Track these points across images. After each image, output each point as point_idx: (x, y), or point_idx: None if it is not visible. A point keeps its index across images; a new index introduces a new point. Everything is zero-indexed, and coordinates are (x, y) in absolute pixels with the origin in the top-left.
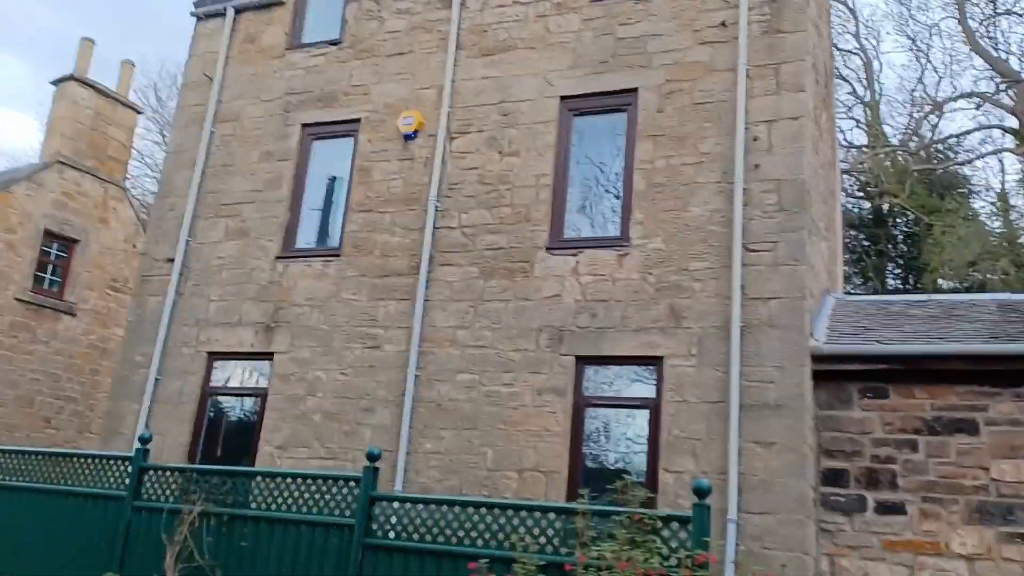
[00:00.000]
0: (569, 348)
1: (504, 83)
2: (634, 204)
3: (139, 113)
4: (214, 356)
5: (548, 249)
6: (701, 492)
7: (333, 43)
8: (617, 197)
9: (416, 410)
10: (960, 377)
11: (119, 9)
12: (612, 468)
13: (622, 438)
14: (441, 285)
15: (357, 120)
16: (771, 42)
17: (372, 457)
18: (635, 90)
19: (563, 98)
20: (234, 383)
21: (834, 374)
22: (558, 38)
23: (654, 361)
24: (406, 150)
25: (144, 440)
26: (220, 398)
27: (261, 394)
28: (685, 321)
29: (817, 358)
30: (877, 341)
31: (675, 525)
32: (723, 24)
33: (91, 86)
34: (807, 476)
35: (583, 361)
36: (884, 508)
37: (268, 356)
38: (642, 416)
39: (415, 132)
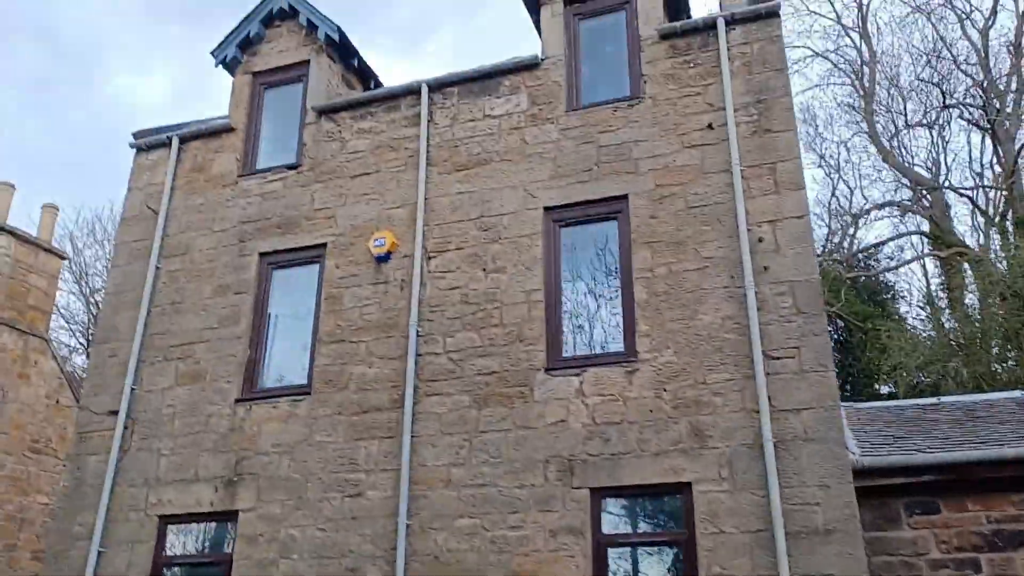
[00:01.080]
0: (582, 480)
1: (482, 197)
2: (638, 315)
3: (63, 259)
4: (167, 520)
5: (547, 370)
6: None
7: (291, 167)
8: (615, 310)
9: (410, 566)
10: (1015, 484)
11: (36, 154)
12: None
13: None
14: (429, 418)
15: (322, 245)
16: (762, 142)
17: None
18: (624, 197)
19: (547, 209)
20: (192, 550)
21: (876, 490)
22: (535, 149)
23: (681, 488)
24: (379, 273)
25: None
26: (176, 569)
27: (224, 561)
28: (710, 440)
29: (857, 473)
30: (917, 450)
31: None
32: (710, 126)
33: (9, 232)
34: None
35: (599, 494)
36: None
37: (231, 516)
38: (674, 553)
39: (388, 254)
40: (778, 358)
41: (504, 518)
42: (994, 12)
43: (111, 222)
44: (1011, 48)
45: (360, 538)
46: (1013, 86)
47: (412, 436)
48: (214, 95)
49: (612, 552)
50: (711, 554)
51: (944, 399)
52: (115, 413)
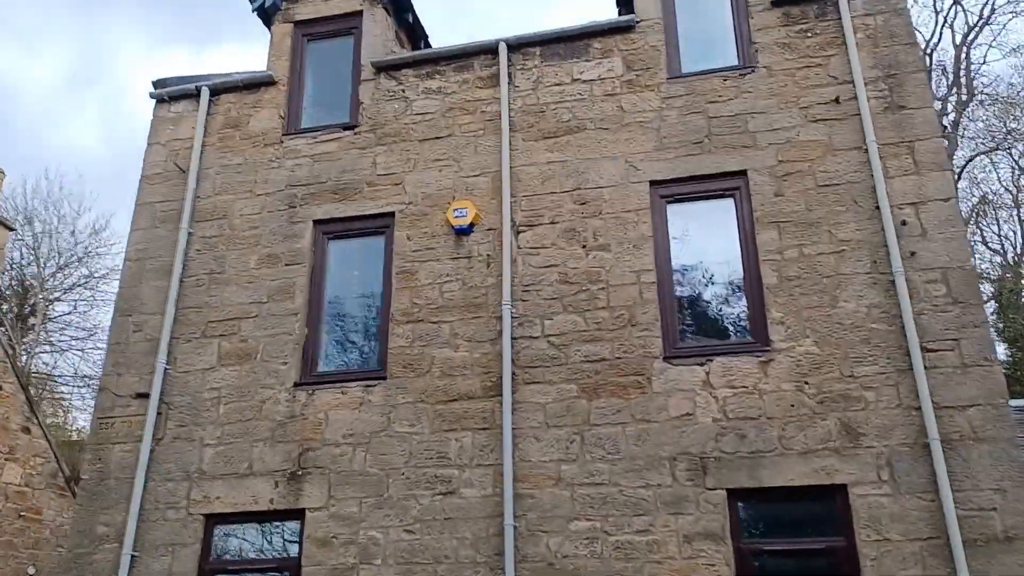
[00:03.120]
0: (717, 480)
1: (575, 168)
2: (768, 301)
3: (10, 230)
4: (215, 520)
5: (666, 358)
6: None
7: (347, 127)
8: (738, 293)
9: (520, 574)
10: None
11: None
12: None
13: None
14: (531, 408)
15: (389, 214)
16: (897, 119)
17: None
18: (743, 172)
19: (653, 183)
20: (248, 554)
21: None
22: (635, 117)
23: (834, 491)
24: (460, 247)
25: None
26: None
27: (290, 567)
28: (864, 439)
29: None
30: None
31: None
32: (836, 100)
33: None
34: None
35: (737, 496)
36: None
37: (297, 515)
38: (831, 562)
39: (471, 225)
40: (935, 351)
41: (628, 521)
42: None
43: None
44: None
45: (457, 542)
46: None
47: (513, 428)
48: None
49: (757, 560)
50: (876, 564)
51: None
52: (144, 396)
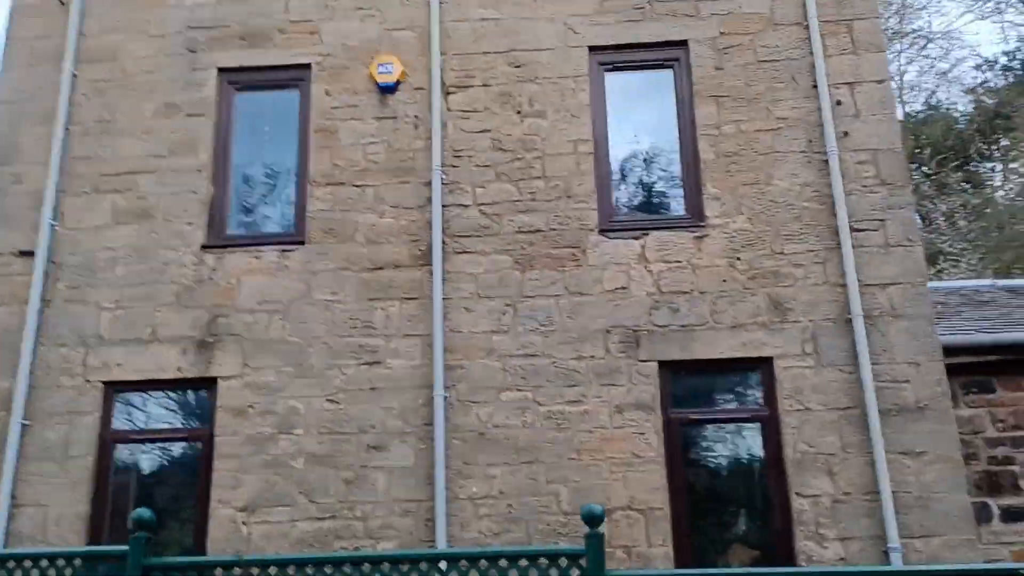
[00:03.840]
0: (650, 352)
1: (510, 27)
2: (704, 177)
3: None
4: (116, 387)
5: (602, 231)
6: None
7: None
8: (674, 167)
9: (451, 443)
10: None
11: None
12: (729, 497)
13: (733, 460)
14: (462, 279)
15: (305, 66)
16: None
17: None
18: (684, 43)
19: (592, 49)
20: (155, 424)
21: None
22: None
23: (761, 363)
24: (384, 106)
25: (144, 523)
26: (131, 447)
27: (201, 437)
28: (791, 314)
29: None
30: (975, 330)
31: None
32: None
33: None
34: (964, 488)
35: (669, 367)
36: (1010, 515)
37: (208, 383)
38: (755, 431)
39: (397, 83)
40: (862, 230)
41: (561, 392)
42: None
43: None
44: None
45: (383, 411)
46: None
47: (444, 298)
48: None
49: (685, 430)
50: (797, 431)
51: (1001, 282)
52: (28, 254)
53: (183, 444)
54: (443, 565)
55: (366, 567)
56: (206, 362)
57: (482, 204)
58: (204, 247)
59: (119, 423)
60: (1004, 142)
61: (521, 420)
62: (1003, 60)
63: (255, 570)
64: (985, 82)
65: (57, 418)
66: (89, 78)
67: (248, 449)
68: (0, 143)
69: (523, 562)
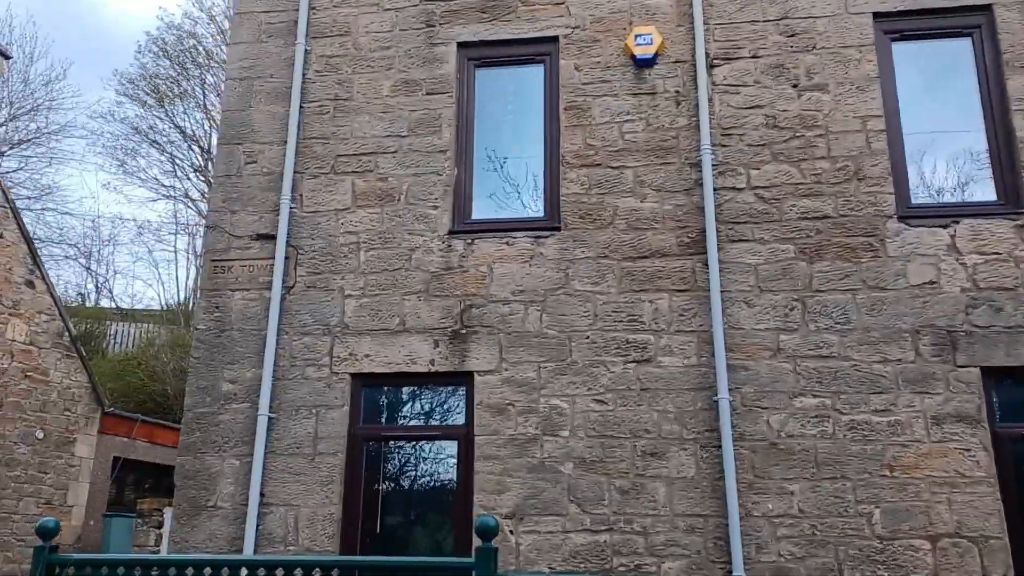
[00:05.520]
0: (969, 357)
1: None
2: (1021, 157)
3: (7, 58)
4: (364, 380)
5: (901, 218)
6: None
7: None
8: (977, 148)
9: (738, 453)
10: None
11: None
12: None
13: None
14: (738, 269)
15: (552, 39)
16: None
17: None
18: (987, 7)
19: (876, 15)
20: (408, 420)
21: None
22: None
23: None
24: (641, 81)
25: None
26: (381, 445)
27: (459, 435)
28: None
29: None
30: None
31: None
32: None
33: None
34: None
35: (993, 375)
36: None
37: (463, 378)
38: None
39: (655, 56)
40: None
41: (864, 399)
42: None
43: None
44: None
45: (658, 415)
46: None
47: (721, 291)
48: None
49: (1017, 446)
50: None
51: None
52: (267, 237)
53: (438, 443)
54: None
55: None
56: (461, 355)
57: (757, 187)
58: (451, 232)
59: (368, 418)
60: None
61: (819, 430)
62: None
63: None
64: None
65: (304, 412)
66: (320, 54)
67: (510, 451)
68: (230, 121)
69: None
